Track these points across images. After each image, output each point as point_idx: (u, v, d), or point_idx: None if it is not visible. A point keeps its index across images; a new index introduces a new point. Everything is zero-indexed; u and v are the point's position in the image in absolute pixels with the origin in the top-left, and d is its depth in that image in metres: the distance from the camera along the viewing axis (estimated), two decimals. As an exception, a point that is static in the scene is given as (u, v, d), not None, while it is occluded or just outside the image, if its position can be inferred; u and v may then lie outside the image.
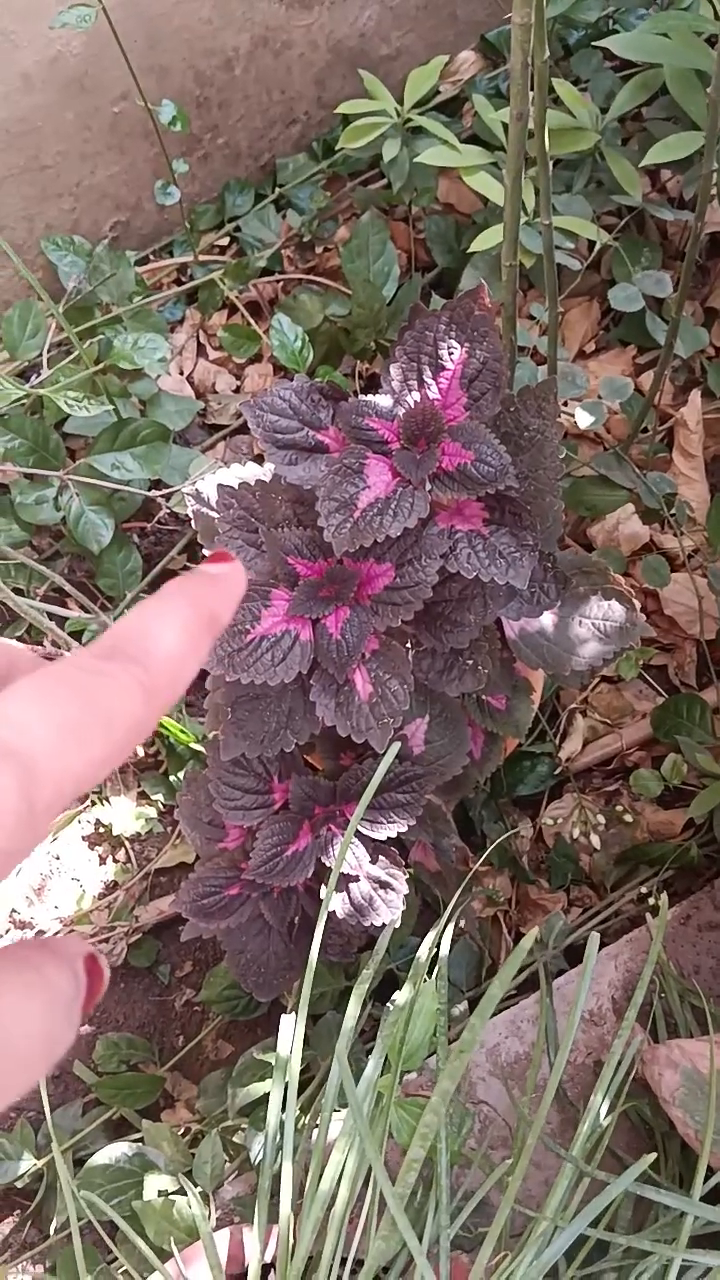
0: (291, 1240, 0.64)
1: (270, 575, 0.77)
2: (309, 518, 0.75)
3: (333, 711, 0.76)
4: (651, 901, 1.14)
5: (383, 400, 0.74)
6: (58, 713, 0.24)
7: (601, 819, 1.21)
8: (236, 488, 0.80)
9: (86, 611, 1.28)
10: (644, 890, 1.16)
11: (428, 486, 0.72)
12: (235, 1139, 0.99)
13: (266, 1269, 0.72)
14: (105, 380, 1.31)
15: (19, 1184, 1.08)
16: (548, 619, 0.87)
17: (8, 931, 1.26)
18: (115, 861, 1.30)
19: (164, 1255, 0.79)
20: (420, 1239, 0.65)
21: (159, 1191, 0.94)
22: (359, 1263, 0.65)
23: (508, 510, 0.74)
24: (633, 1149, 0.90)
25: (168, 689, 0.27)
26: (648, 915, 1.10)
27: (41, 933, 1.25)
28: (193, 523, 0.90)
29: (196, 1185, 0.93)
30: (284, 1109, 0.68)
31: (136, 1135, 1.06)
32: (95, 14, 1.05)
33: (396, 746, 0.74)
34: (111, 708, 0.25)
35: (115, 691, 0.25)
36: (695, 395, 1.34)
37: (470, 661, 0.82)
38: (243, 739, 0.79)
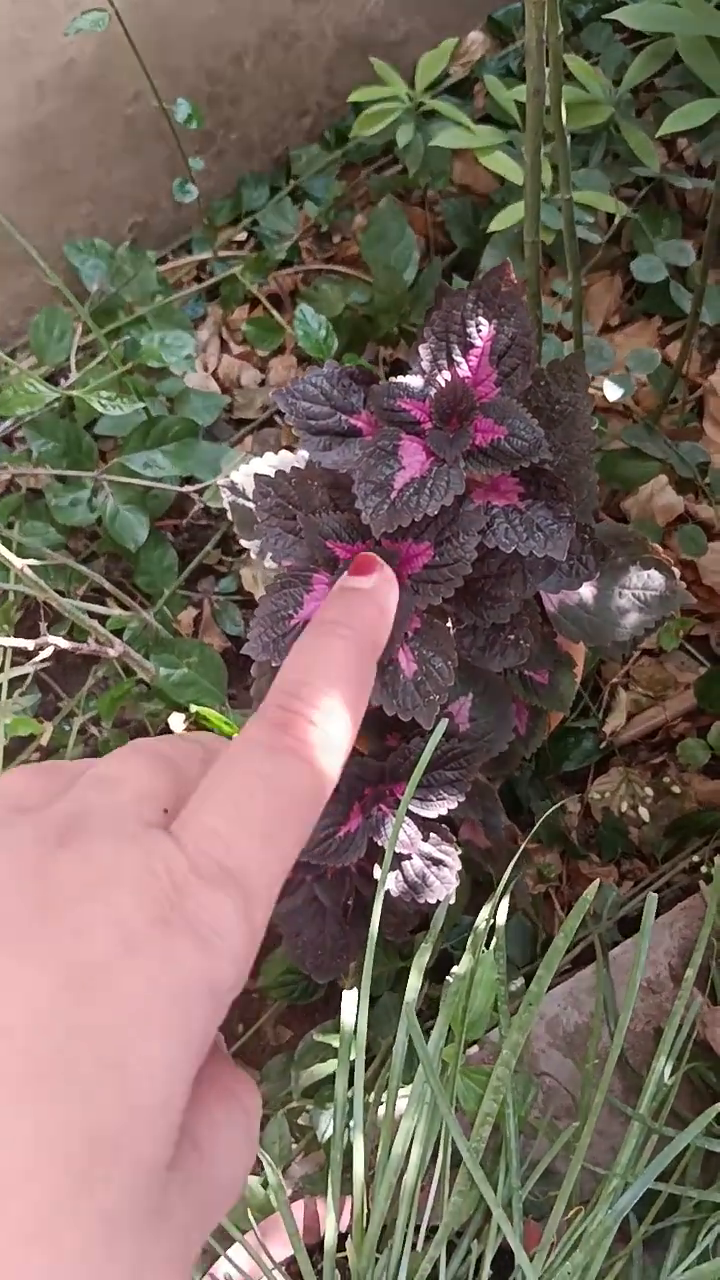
0: (366, 1208, 0.65)
1: (310, 560, 0.78)
2: (346, 502, 0.76)
3: (379, 691, 0.77)
4: (704, 869, 1.14)
5: (413, 381, 0.75)
6: (257, 824, 0.25)
7: (649, 791, 1.21)
8: (273, 476, 0.80)
9: (126, 609, 1.30)
10: (695, 859, 1.16)
11: (462, 464, 0.73)
12: (300, 1121, 1.01)
13: (341, 1238, 0.74)
14: (133, 380, 1.32)
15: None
16: (587, 591, 0.88)
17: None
18: (167, 855, 1.31)
19: (242, 1232, 0.81)
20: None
21: (229, 1173, 0.96)
22: (432, 1229, 0.66)
23: (543, 484, 0.75)
24: (697, 1111, 0.90)
25: (344, 746, 0.29)
26: (701, 883, 1.10)
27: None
28: (229, 514, 0.91)
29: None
30: (351, 1083, 0.70)
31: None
32: (109, 16, 1.06)
33: (445, 723, 0.75)
34: (297, 791, 0.27)
35: (298, 775, 0.27)
36: (722, 363, 1.34)
37: (512, 636, 0.82)
38: (291, 723, 0.80)
